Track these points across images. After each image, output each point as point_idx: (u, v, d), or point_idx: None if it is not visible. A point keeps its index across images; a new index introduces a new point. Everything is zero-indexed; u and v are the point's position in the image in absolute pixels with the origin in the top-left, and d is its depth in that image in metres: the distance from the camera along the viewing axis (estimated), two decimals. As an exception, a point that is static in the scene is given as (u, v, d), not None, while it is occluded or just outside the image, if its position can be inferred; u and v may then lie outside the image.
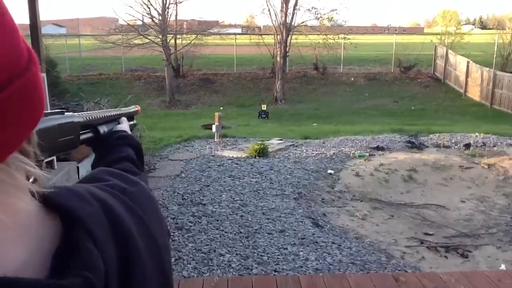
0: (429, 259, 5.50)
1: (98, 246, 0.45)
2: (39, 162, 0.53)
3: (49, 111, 0.96)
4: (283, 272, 4.22)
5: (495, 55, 21.44)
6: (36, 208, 0.45)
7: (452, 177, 8.31)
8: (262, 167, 8.05)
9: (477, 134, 10.54)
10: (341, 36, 19.58)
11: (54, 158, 6.05)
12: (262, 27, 30.73)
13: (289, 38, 18.15)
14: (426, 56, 21.06)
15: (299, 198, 6.78)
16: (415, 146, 9.75)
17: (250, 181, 7.29)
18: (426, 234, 6.30)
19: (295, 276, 3.87)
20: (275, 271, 4.25)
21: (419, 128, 11.77)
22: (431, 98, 18.55)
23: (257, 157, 8.65)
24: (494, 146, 9.66)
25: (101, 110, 1.19)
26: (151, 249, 0.55)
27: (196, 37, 19.46)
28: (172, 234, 5.15)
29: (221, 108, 17.68)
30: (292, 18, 17.90)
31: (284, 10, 17.60)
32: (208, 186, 6.98)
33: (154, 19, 17.91)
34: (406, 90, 19.49)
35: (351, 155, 9.09)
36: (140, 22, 20.05)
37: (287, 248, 4.77)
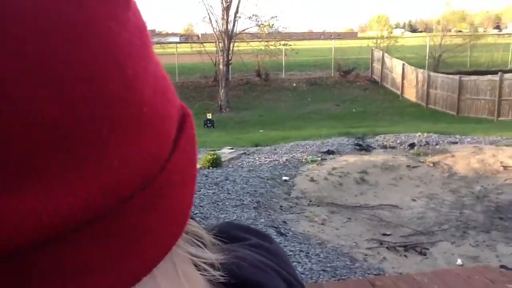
0: (390, 259, 5.64)
1: None
2: None
3: None
4: (256, 286, 4.16)
5: (427, 57, 22.58)
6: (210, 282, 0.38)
7: (401, 176, 8.60)
8: (217, 178, 7.95)
9: (420, 133, 11.00)
10: (282, 42, 19.88)
11: None
12: (200, 35, 30.63)
13: (231, 45, 18.18)
14: (364, 60, 21.84)
15: (258, 207, 6.74)
16: (363, 148, 10.02)
17: (207, 192, 7.17)
18: (384, 234, 6.47)
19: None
20: None
21: (363, 131, 12.12)
22: (371, 101, 19.21)
23: (211, 168, 8.53)
24: (436, 144, 10.12)
25: None
26: None
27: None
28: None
29: (166, 118, 17.37)
30: (234, 25, 17.96)
31: (225, 18, 17.62)
32: (164, 200, 6.79)
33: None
34: (346, 94, 20.08)
35: (303, 160, 9.19)
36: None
37: (255, 260, 4.71)
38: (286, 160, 9.18)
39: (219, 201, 6.75)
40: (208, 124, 16.15)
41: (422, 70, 18.71)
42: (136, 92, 0.28)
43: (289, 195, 7.66)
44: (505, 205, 7.34)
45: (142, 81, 0.29)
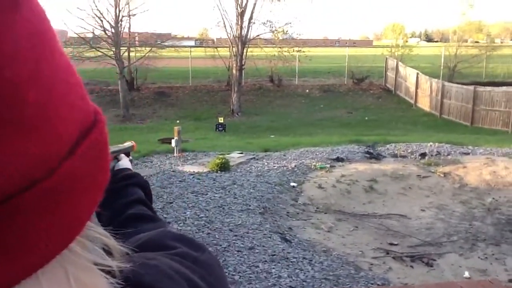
0: (396, 270, 5.55)
1: None
2: None
3: None
4: (257, 291, 4.13)
5: (442, 67, 22.39)
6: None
7: (411, 186, 8.50)
8: (224, 182, 7.93)
9: (431, 143, 10.86)
10: (296, 49, 19.86)
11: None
12: (215, 40, 30.76)
13: (245, 50, 18.21)
14: (378, 68, 21.72)
15: (264, 213, 6.70)
16: (374, 156, 9.93)
17: (214, 196, 7.15)
18: (391, 244, 6.38)
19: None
20: (249, 291, 4.15)
21: (374, 139, 12.02)
22: (384, 109, 19.08)
23: (219, 172, 8.52)
24: (448, 154, 9.99)
25: None
26: None
27: (150, 50, 19.18)
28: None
29: (178, 121, 17.44)
30: (248, 31, 17.99)
31: (239, 23, 17.66)
32: (171, 203, 6.79)
33: (106, 31, 17.50)
34: (359, 101, 19.97)
35: (312, 167, 9.13)
36: (91, 35, 19.55)
37: (258, 266, 4.67)
38: (295, 166, 9.12)
39: (225, 205, 6.73)
40: (220, 128, 16.16)
41: (436, 79, 18.55)
42: (16, 94, 0.28)
43: (296, 201, 7.60)
44: (516, 218, 7.20)
45: (26, 84, 0.29)
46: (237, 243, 5.28)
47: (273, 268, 4.62)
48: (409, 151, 10.34)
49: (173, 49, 21.11)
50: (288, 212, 7.09)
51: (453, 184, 8.52)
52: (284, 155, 10.03)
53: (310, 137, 13.66)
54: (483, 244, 6.33)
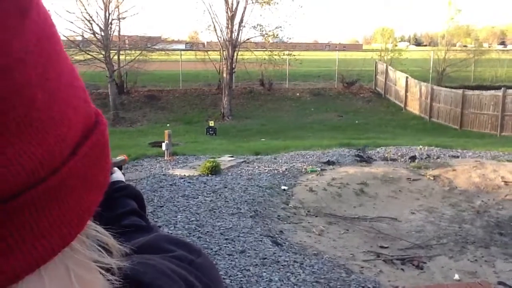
0: (387, 272, 5.56)
1: None
2: None
3: None
4: (248, 295, 4.11)
5: (431, 71, 22.58)
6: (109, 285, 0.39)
7: (401, 189, 8.54)
8: (215, 185, 7.91)
9: (421, 146, 10.94)
10: (286, 52, 19.90)
11: None
12: (206, 43, 30.74)
13: (235, 54, 18.21)
14: (368, 72, 21.83)
15: (255, 216, 6.69)
16: (364, 159, 9.96)
17: (205, 200, 7.13)
18: (381, 247, 6.40)
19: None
20: (240, 295, 4.13)
21: (365, 142, 12.08)
22: (374, 113, 19.18)
23: (210, 175, 8.50)
24: (437, 158, 10.05)
25: None
26: None
27: (140, 53, 19.11)
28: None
29: (168, 125, 17.37)
30: (238, 34, 17.99)
31: (229, 26, 17.66)
32: (161, 207, 6.75)
33: (96, 34, 17.41)
34: (349, 105, 20.06)
35: (303, 170, 9.14)
36: (80, 38, 19.44)
37: (249, 270, 4.65)
38: (286, 169, 9.13)
39: (216, 209, 6.71)
40: (210, 132, 16.13)
41: (425, 83, 18.69)
42: (24, 96, 0.29)
43: (287, 204, 7.60)
44: (505, 220, 7.26)
45: (34, 87, 0.30)
46: (228, 247, 5.26)
47: (264, 272, 4.60)
48: (399, 154, 10.40)
49: (163, 52, 21.06)
50: (279, 216, 7.08)
51: (443, 187, 8.58)
52: (275, 159, 10.03)
53: (301, 140, 13.68)
54: (473, 246, 6.38)
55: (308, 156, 10.19)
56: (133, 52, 19.67)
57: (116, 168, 1.16)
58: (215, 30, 18.00)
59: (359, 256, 6.03)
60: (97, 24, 17.31)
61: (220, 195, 7.42)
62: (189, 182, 8.08)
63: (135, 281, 0.41)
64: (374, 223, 7.23)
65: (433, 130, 16.31)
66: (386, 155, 10.34)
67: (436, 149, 10.78)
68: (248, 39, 18.76)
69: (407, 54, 24.42)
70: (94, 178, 0.36)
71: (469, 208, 7.74)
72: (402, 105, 19.66)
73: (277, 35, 20.09)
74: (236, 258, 4.95)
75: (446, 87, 18.65)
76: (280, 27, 18.53)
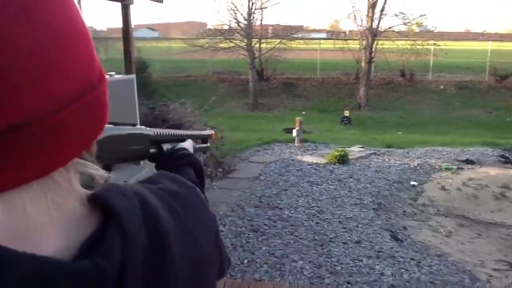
0: (520, 285, 5.06)
1: (126, 239, 0.48)
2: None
3: (122, 122, 1.03)
4: (356, 285, 4.09)
5: None
6: (82, 207, 0.49)
7: (551, 197, 7.60)
8: (341, 174, 7.89)
9: None
10: (431, 42, 18.68)
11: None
12: (347, 32, 30.27)
13: (375, 43, 17.67)
14: (527, 64, 19.55)
15: (378, 209, 6.54)
16: (510, 161, 9.05)
17: (328, 188, 7.16)
18: (518, 257, 5.81)
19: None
20: (348, 283, 4.12)
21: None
22: (531, 110, 17.16)
23: (337, 164, 8.49)
24: None
25: (172, 130, 1.21)
26: (188, 254, 0.58)
27: (280, 41, 19.58)
28: (247, 235, 5.19)
29: (303, 112, 17.61)
30: (379, 23, 17.42)
31: (370, 15, 17.17)
32: (285, 190, 6.96)
33: (240, 24, 18.27)
34: (501, 101, 18.20)
35: (437, 167, 8.64)
36: (227, 27, 20.57)
37: (362, 260, 4.61)
38: (418, 164, 8.71)
39: (338, 197, 6.71)
40: (345, 121, 15.99)
41: None
42: (11, 48, 0.38)
43: (415, 201, 7.28)
44: None
45: (22, 39, 0.39)
46: (344, 235, 5.26)
47: (377, 265, 4.52)
48: (553, 158, 9.23)
49: (302, 41, 21.27)
50: (404, 211, 6.82)
51: None
52: (408, 153, 9.62)
53: (441, 136, 12.87)
54: None
55: (444, 153, 9.57)
56: (273, 40, 20.22)
57: (189, 140, 1.26)
58: (355, 19, 17.66)
59: (489, 264, 5.56)
60: (241, 14, 18.14)
61: (344, 184, 7.39)
62: (316, 169, 8.16)
63: (98, 200, 0.50)
64: (513, 231, 6.57)
65: None
66: (538, 158, 9.26)
67: None
68: (390, 27, 18.05)
69: None
70: (99, 115, 0.47)
71: None
72: None
73: (421, 23, 19.02)
74: (351, 247, 4.93)
75: None
76: (425, 15, 17.47)
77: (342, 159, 8.59)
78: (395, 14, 17.45)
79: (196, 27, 24.80)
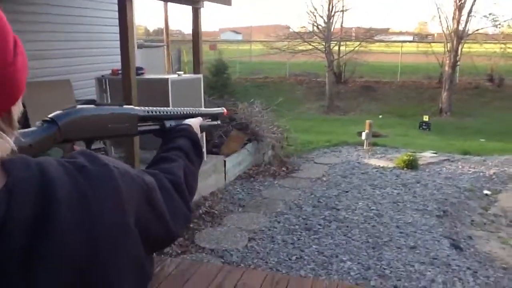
0: None
1: (13, 197, 0.57)
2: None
3: (107, 103, 1.21)
4: (403, 289, 4.01)
5: None
6: None
7: None
8: (408, 179, 7.67)
9: None
10: (523, 44, 17.43)
11: (204, 150, 6.65)
12: (436, 35, 29.03)
13: (460, 46, 16.82)
14: None
15: (443, 216, 6.29)
16: None
17: (392, 192, 7.01)
18: None
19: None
20: (395, 287, 4.05)
21: None
22: None
23: (405, 169, 8.26)
24: None
25: (176, 108, 1.37)
26: (83, 225, 0.62)
27: (359, 44, 19.27)
28: (300, 233, 5.25)
29: (380, 116, 17.19)
30: (466, 25, 16.56)
31: (456, 17, 16.37)
32: (346, 192, 6.91)
33: (319, 26, 18.24)
34: None
35: (515, 176, 8.10)
36: (309, 29, 20.60)
37: (414, 266, 4.49)
38: (494, 173, 8.23)
39: (400, 202, 6.55)
40: (424, 127, 15.37)
41: None
42: None
43: (486, 210, 6.90)
44: None
45: None
46: (399, 240, 5.14)
47: (429, 271, 4.38)
48: None
49: (384, 44, 20.75)
50: (472, 221, 6.50)
51: None
52: (484, 161, 9.11)
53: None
54: None
55: (526, 162, 8.95)
56: (353, 43, 19.94)
57: (197, 118, 1.39)
58: (440, 21, 16.92)
59: (560, 281, 5.17)
60: (321, 16, 18.10)
61: (409, 189, 7.18)
62: (382, 173, 8.01)
63: (2, 164, 0.60)
64: None
65: None
66: None
67: None
68: (477, 30, 17.08)
69: None
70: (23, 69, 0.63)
71: None
72: None
73: (516, 25, 17.76)
74: (404, 252, 4.82)
75: None
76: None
77: (411, 164, 8.34)
78: (484, 16, 16.45)
79: (279, 30, 25.08)
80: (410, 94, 19.39)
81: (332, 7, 17.91)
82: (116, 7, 4.95)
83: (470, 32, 16.83)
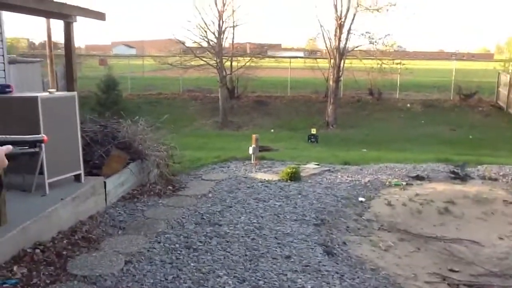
0: (448, 298, 5.18)
1: None
2: None
3: None
4: (274, 299, 4.16)
5: None
6: None
7: (494, 211, 7.81)
8: (290, 191, 8.00)
9: (531, 167, 9.86)
10: (396, 61, 19.18)
11: (82, 172, 6.38)
12: (324, 51, 30.76)
13: (342, 62, 18.03)
14: (490, 83, 20.11)
15: (320, 225, 6.64)
16: (459, 177, 9.27)
17: (274, 204, 7.26)
18: (451, 270, 5.94)
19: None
20: (266, 297, 4.19)
21: (473, 159, 11.21)
22: (492, 128, 17.62)
23: (289, 181, 8.61)
24: (547, 181, 8.98)
25: None
26: None
27: (250, 59, 19.84)
28: (179, 252, 5.23)
29: (272, 130, 17.80)
30: (346, 42, 17.80)
31: (338, 34, 17.55)
32: (230, 207, 7.03)
33: (210, 42, 18.48)
34: (465, 119, 18.67)
35: (387, 183, 8.82)
36: (203, 45, 20.74)
37: (286, 275, 4.69)
38: (369, 181, 8.88)
39: (281, 214, 6.80)
40: (312, 139, 16.19)
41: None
42: None
43: (361, 216, 7.40)
44: None
45: None
46: (276, 251, 5.34)
47: (300, 279, 4.60)
48: (501, 173, 9.50)
49: (274, 59, 21.58)
50: (348, 227, 6.94)
51: (546, 214, 7.66)
52: (361, 169, 9.80)
53: (400, 152, 13.13)
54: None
55: (396, 169, 9.78)
56: (244, 58, 20.48)
57: (6, 146, 1.37)
58: (324, 38, 18.01)
59: (422, 277, 5.68)
60: (212, 32, 18.36)
61: (291, 200, 7.50)
62: (266, 186, 8.27)
63: None
64: (451, 245, 6.73)
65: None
66: (486, 173, 9.51)
67: (549, 171, 9.62)
68: (357, 47, 18.45)
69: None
70: None
71: None
72: (528, 121, 17.79)
73: (391, 44, 19.41)
74: (279, 262, 5.01)
75: None
76: (389, 34, 17.93)
77: (294, 176, 8.72)
78: (362, 34, 17.87)
79: (172, 45, 24.98)
80: (300, 108, 20.32)
81: (223, 22, 18.28)
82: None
83: (350, 48, 18.11)
